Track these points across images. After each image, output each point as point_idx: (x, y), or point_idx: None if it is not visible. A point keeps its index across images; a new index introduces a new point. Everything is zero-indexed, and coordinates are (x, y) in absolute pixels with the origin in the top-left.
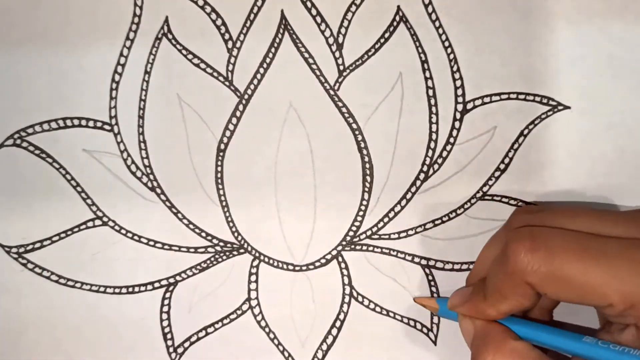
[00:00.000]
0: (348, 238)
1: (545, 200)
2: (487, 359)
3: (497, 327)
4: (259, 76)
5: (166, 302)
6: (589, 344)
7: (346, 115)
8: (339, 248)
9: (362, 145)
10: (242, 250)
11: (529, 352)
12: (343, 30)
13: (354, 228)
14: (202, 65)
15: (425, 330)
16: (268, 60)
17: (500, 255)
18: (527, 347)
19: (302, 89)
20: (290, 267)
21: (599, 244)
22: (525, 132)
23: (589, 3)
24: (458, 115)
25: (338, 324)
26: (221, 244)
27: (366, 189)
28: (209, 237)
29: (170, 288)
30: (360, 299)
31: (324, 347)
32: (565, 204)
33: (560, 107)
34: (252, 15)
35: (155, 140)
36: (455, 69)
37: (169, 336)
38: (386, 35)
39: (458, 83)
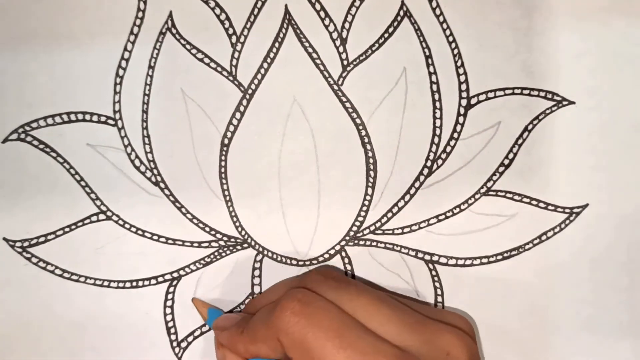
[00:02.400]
0: (351, 233)
1: (548, 196)
2: None
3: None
4: (262, 71)
5: (170, 296)
6: None
7: (350, 110)
8: (343, 243)
9: (366, 140)
10: (245, 245)
11: None
12: (347, 25)
13: (357, 223)
14: (206, 60)
15: None
16: (272, 55)
17: (270, 305)
18: None
19: (306, 84)
20: (294, 262)
21: (355, 335)
22: (530, 127)
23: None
24: (462, 111)
25: None
26: (225, 238)
27: (370, 184)
28: (213, 232)
29: (174, 282)
30: None
31: None
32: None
33: (565, 103)
34: (255, 10)
35: (159, 134)
36: (459, 64)
37: (172, 330)
38: (390, 30)
39: (462, 78)
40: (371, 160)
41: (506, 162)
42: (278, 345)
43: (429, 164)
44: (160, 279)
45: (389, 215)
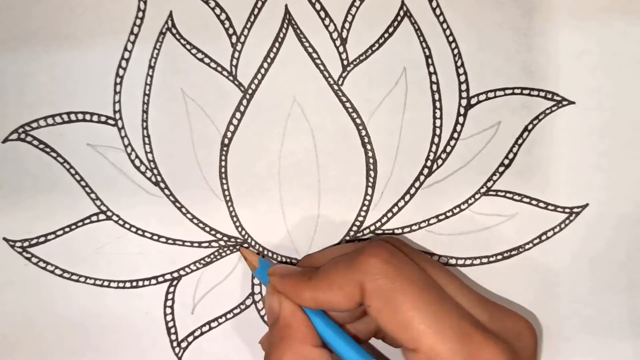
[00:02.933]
0: (352, 233)
1: (548, 196)
2: (279, 356)
3: (303, 321)
4: (262, 71)
5: (170, 296)
6: None
7: (350, 110)
8: (343, 243)
9: (366, 140)
10: (245, 245)
11: None
12: (347, 25)
13: (357, 223)
14: (206, 60)
15: None
16: (272, 55)
17: (351, 252)
18: (324, 357)
19: (306, 83)
20: (294, 262)
21: (441, 294)
22: (530, 127)
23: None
24: (462, 111)
25: None
26: (225, 238)
27: (370, 184)
28: (213, 232)
29: (174, 282)
30: None
31: None
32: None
33: (564, 103)
34: (256, 10)
35: (159, 134)
36: (459, 64)
37: (172, 330)
38: (390, 30)
39: (462, 78)
40: (371, 160)
41: (506, 162)
42: (356, 292)
43: (429, 163)
44: (160, 279)
45: (389, 215)
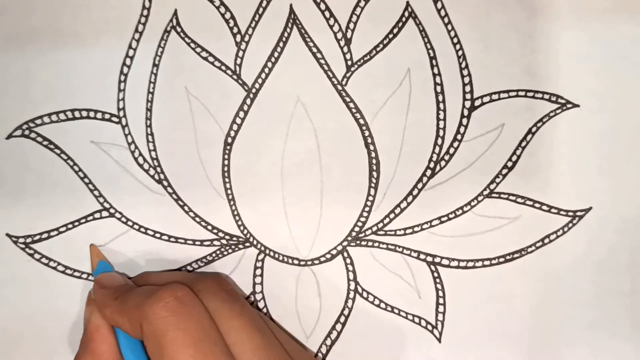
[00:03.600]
0: (354, 233)
1: (551, 198)
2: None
3: (105, 338)
4: (267, 70)
5: None
6: None
7: (353, 110)
8: (345, 243)
9: (369, 140)
10: (247, 244)
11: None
12: (352, 26)
13: (359, 224)
14: (210, 59)
15: (430, 327)
16: (276, 54)
17: (155, 288)
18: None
19: (310, 83)
20: (296, 262)
21: (210, 356)
22: (534, 129)
23: (598, 0)
24: (466, 112)
25: (342, 319)
26: (227, 237)
27: (372, 185)
28: (215, 230)
29: None
30: (365, 294)
31: (328, 342)
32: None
33: (568, 105)
34: (260, 10)
35: (163, 133)
36: (463, 65)
37: None
38: (395, 30)
39: (466, 80)
40: (374, 161)
41: (509, 164)
42: (138, 330)
43: (432, 165)
44: None
45: (392, 216)
